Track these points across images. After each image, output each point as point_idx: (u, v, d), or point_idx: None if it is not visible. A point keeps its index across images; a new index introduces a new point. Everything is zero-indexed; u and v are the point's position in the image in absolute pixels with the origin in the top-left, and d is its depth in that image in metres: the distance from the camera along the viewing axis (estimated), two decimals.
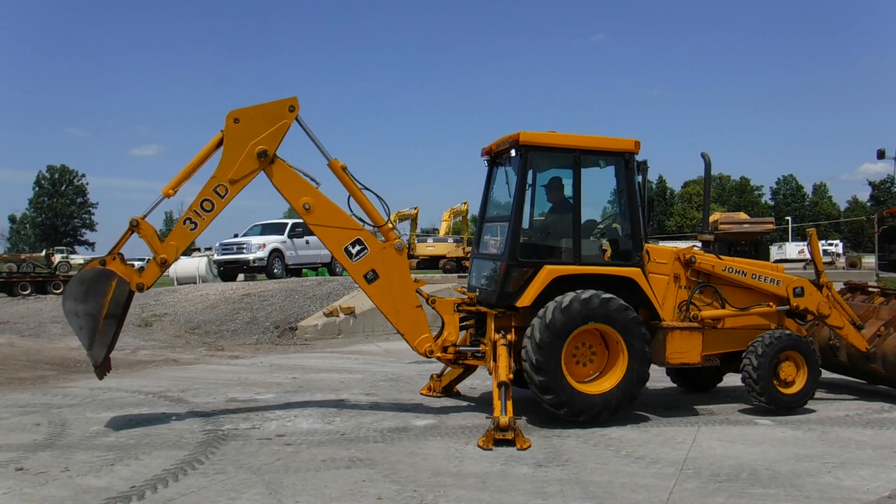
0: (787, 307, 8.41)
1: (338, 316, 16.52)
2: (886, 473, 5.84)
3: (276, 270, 23.88)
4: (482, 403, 8.49)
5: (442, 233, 43.64)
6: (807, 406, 8.13)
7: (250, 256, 23.60)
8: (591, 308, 7.26)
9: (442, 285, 20.19)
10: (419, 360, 9.38)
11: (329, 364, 12.14)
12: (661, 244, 10.60)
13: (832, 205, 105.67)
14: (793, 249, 55.17)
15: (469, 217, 42.23)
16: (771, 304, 8.39)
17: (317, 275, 24.81)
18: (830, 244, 60.92)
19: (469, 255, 9.77)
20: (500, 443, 6.60)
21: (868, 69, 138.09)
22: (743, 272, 8.32)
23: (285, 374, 11.00)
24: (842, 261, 49.82)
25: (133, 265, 7.69)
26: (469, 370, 9.00)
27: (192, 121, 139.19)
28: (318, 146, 7.90)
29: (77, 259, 61.55)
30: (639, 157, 7.95)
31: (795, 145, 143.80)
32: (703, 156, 8.48)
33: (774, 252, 51.52)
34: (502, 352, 7.32)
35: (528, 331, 7.30)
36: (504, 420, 6.64)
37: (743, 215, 39.49)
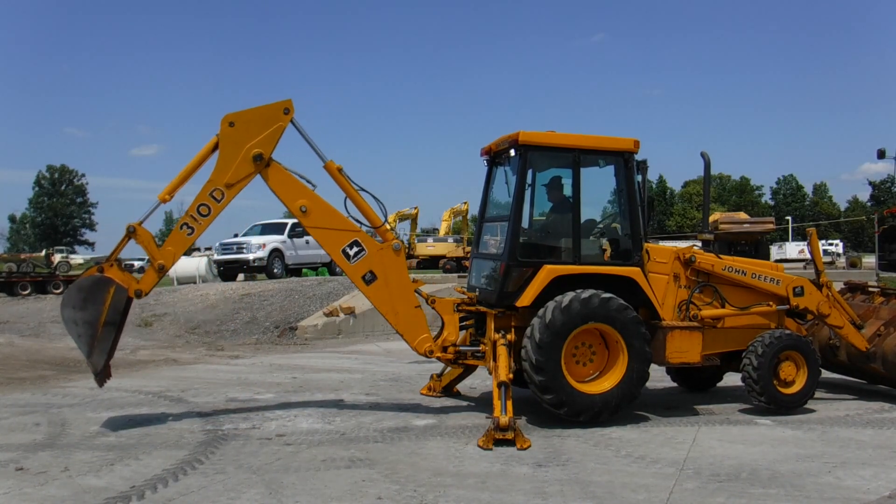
0: (787, 307, 8.41)
1: (338, 316, 16.52)
2: (886, 473, 5.84)
3: (276, 270, 23.89)
4: (482, 403, 8.49)
5: (442, 233, 43.66)
6: (807, 406, 8.13)
7: (250, 256, 23.60)
8: (591, 308, 7.25)
9: (442, 285, 20.19)
10: (419, 360, 9.38)
11: (329, 364, 12.14)
12: (661, 244, 10.59)
13: (832, 205, 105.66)
14: (793, 249, 55.16)
15: (469, 217, 42.22)
16: (771, 303, 8.39)
17: (317, 275, 24.81)
18: (830, 244, 60.90)
19: (469, 255, 9.77)
20: (500, 443, 6.60)
21: (868, 69, 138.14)
22: (743, 272, 8.32)
23: (285, 374, 11.00)
24: (842, 261, 49.86)
25: (133, 265, 7.69)
26: (469, 370, 9.00)
27: (192, 121, 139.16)
28: (314, 148, 7.90)
29: (77, 259, 61.63)
30: (638, 157, 7.95)
31: (795, 145, 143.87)
32: (703, 155, 8.48)
33: (774, 252, 51.52)
34: (502, 352, 7.32)
35: (528, 330, 7.29)
36: (504, 420, 6.64)
37: (743, 215, 39.55)
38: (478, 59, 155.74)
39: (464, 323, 8.43)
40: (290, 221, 25.20)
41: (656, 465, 6.07)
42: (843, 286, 9.93)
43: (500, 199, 8.48)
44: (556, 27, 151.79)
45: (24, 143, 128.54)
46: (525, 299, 7.41)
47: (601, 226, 8.47)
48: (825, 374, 8.66)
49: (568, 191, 7.97)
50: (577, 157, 7.72)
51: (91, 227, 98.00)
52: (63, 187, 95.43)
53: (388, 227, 8.18)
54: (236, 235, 25.58)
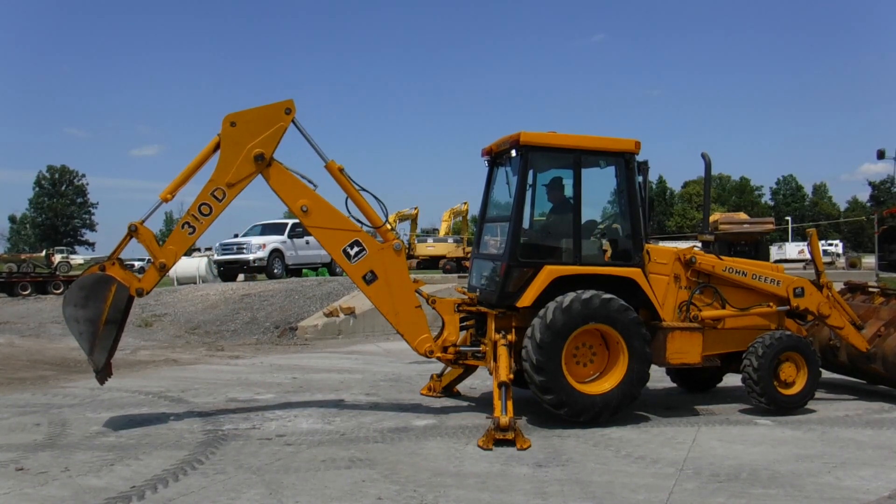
0: (788, 307, 8.40)
1: (338, 316, 16.51)
2: (886, 473, 5.84)
3: (276, 270, 23.89)
4: (482, 403, 8.49)
5: (442, 233, 43.64)
6: (807, 406, 8.12)
7: (250, 256, 23.61)
8: (592, 308, 7.26)
9: (442, 285, 20.18)
10: (419, 360, 9.38)
11: (329, 364, 12.14)
12: (662, 244, 10.59)
13: (832, 205, 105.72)
14: (793, 249, 55.16)
15: (469, 217, 42.20)
16: (771, 304, 8.39)
17: (317, 275, 24.81)
18: (830, 244, 60.91)
19: (469, 256, 9.77)
20: (500, 443, 6.60)
21: (868, 69, 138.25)
22: (743, 272, 8.32)
23: (285, 374, 11.00)
24: (842, 261, 49.77)
25: (133, 265, 7.71)
26: (469, 370, 9.00)
27: (192, 121, 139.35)
28: (315, 148, 7.90)
29: (77, 259, 61.61)
30: (639, 158, 7.95)
31: (795, 145, 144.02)
32: (704, 156, 8.48)
33: (774, 252, 51.51)
34: (503, 352, 7.32)
35: (529, 331, 7.30)
36: (504, 420, 6.64)
37: (743, 215, 39.55)
38: (478, 59, 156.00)
39: (464, 323, 8.43)
40: (291, 222, 25.21)
41: (656, 466, 6.07)
42: (843, 286, 9.92)
43: (500, 200, 8.49)
44: (556, 27, 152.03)
45: (24, 143, 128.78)
46: (526, 300, 7.41)
47: (602, 226, 8.46)
48: (825, 374, 8.66)
49: (569, 191, 7.97)
50: (578, 157, 7.72)
51: (91, 227, 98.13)
52: (63, 187, 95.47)
53: (388, 227, 8.19)
54: (236, 236, 25.59)
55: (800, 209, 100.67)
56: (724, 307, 8.23)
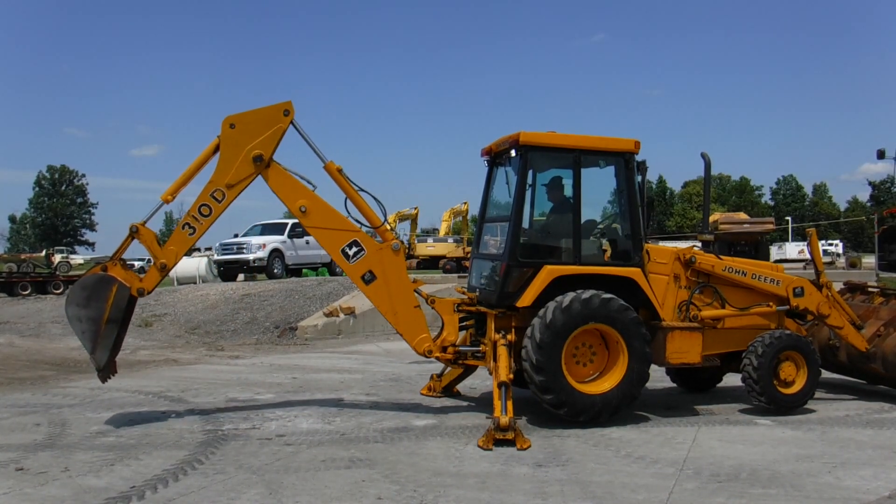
0: (787, 307, 8.40)
1: (338, 316, 16.51)
2: (886, 473, 5.84)
3: (276, 270, 23.88)
4: (482, 403, 8.49)
5: (442, 233, 43.64)
6: (807, 406, 8.12)
7: (250, 256, 23.61)
8: (592, 308, 7.26)
9: (442, 285, 20.18)
10: (419, 360, 9.38)
11: (329, 364, 12.14)
12: (661, 244, 10.59)
13: (832, 205, 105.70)
14: (793, 249, 55.12)
15: (469, 217, 42.20)
16: (771, 304, 8.39)
17: (317, 275, 24.81)
18: (830, 244, 60.89)
19: (469, 255, 9.77)
20: (500, 443, 6.60)
21: (868, 69, 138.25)
22: (743, 272, 8.32)
23: (285, 374, 11.00)
24: (842, 261, 49.77)
25: (132, 265, 7.74)
26: (469, 370, 9.00)
27: (192, 121, 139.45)
28: (314, 149, 7.93)
29: (77, 259, 61.61)
30: (638, 158, 7.95)
31: (795, 145, 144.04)
32: (703, 156, 8.48)
33: (774, 252, 51.49)
34: (502, 352, 7.32)
35: (529, 331, 7.30)
36: (504, 420, 6.64)
37: (743, 215, 39.49)
38: (478, 59, 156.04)
39: (464, 323, 8.43)
40: (290, 222, 25.21)
41: (656, 466, 6.07)
42: (842, 286, 9.92)
43: (500, 200, 8.49)
44: (556, 27, 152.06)
45: (24, 143, 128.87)
46: (525, 299, 7.41)
47: (601, 226, 8.47)
48: (825, 374, 8.66)
49: (568, 191, 7.97)
50: (578, 157, 7.72)
51: (91, 227, 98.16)
52: (63, 187, 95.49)
53: (387, 227, 8.20)
54: (236, 236, 25.59)
55: (800, 209, 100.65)
56: (723, 307, 8.23)
